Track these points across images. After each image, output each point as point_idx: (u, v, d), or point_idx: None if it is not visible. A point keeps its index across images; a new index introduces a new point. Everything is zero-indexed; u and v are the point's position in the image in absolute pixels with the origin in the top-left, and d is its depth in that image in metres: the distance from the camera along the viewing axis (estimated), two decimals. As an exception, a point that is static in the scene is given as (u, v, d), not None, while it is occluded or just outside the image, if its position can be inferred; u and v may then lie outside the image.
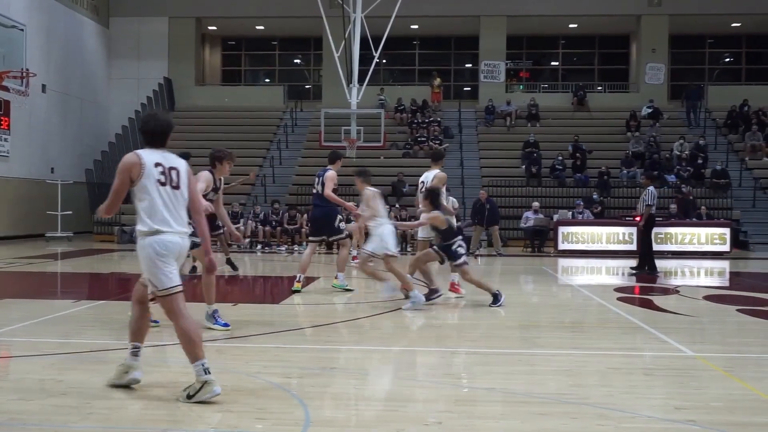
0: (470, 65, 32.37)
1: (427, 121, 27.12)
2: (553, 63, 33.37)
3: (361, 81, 22.83)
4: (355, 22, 22.53)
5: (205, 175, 7.50)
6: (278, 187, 24.54)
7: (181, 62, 29.62)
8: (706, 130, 26.44)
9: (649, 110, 27.18)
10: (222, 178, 8.02)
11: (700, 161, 24.03)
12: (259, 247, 19.97)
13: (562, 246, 19.25)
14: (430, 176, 10.11)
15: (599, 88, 31.42)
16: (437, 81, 29.50)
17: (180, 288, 4.93)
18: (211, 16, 30.08)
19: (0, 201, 21.30)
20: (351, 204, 11.10)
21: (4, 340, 6.96)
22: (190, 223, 5.16)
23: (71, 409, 4.63)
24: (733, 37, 31.51)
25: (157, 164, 4.97)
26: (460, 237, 9.30)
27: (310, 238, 10.91)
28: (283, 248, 19.80)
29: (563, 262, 17.33)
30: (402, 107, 28.03)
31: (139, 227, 4.95)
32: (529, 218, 20.00)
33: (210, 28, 31.50)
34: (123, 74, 28.98)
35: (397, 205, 21.08)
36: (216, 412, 4.62)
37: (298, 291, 10.25)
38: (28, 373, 5.64)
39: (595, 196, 21.86)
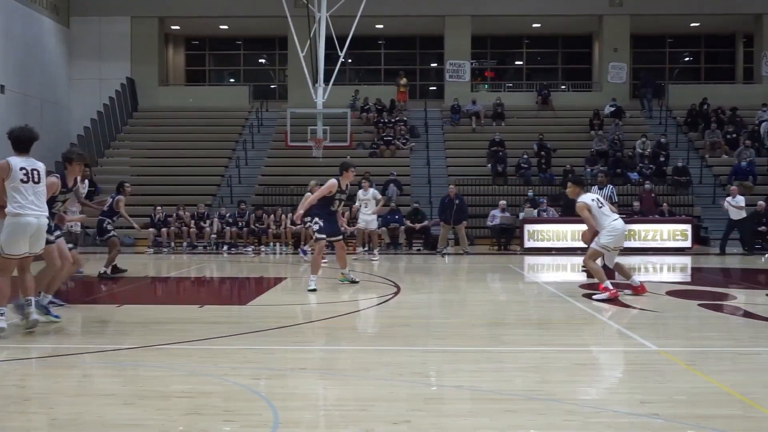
0: (435, 65, 32.51)
1: (393, 120, 27.17)
2: (517, 62, 33.66)
3: (326, 81, 22.79)
4: (320, 22, 22.49)
5: (50, 180, 7.55)
6: (244, 187, 24.39)
7: (144, 62, 29.27)
8: (668, 128, 26.88)
9: (612, 109, 27.56)
10: (78, 178, 8.79)
11: (662, 159, 24.43)
12: (225, 248, 19.84)
13: (528, 244, 19.41)
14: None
15: (563, 87, 31.82)
16: (403, 80, 29.56)
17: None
18: (174, 15, 29.79)
19: None
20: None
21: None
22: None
23: (35, 415, 4.54)
24: (693, 37, 32.08)
25: (22, 168, 6.87)
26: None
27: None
28: (250, 249, 19.69)
29: (529, 259, 17.48)
30: (368, 107, 28.03)
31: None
32: (496, 216, 20.13)
33: (173, 27, 31.19)
34: (85, 75, 28.56)
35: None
36: (183, 414, 4.58)
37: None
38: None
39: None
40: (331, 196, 10.95)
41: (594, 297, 9.68)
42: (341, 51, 22.55)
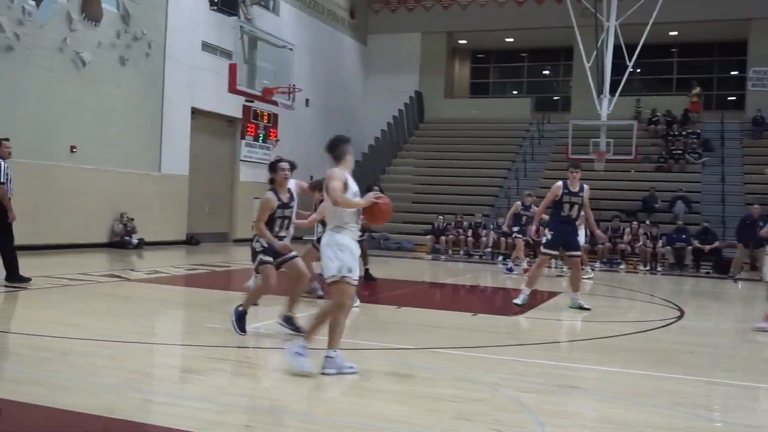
0: (736, 73, 29.87)
1: (684, 133, 25.46)
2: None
3: (612, 91, 22.04)
4: (609, 31, 21.82)
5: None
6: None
7: (432, 76, 30.58)
8: None
9: None
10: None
11: None
12: (500, 258, 19.97)
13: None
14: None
15: None
16: (696, 90, 27.54)
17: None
18: (462, 30, 30.71)
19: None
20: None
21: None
22: None
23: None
24: None
25: None
26: None
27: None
28: (525, 261, 19.58)
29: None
30: (656, 118, 26.57)
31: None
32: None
33: (460, 42, 32.18)
34: (377, 88, 30.56)
35: (647, 222, 20.02)
36: (452, 418, 4.69)
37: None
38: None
39: None
40: (558, 200, 9.97)
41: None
42: (629, 60, 21.66)
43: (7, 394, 4.76)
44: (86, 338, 6.73)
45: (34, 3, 15.80)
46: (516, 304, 9.91)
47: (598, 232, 10.73)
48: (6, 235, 10.12)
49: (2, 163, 10.02)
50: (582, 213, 10.31)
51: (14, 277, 10.18)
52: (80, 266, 13.11)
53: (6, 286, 9.87)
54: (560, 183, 10.06)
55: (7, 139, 10.34)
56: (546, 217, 11.09)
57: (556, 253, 10.35)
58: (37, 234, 15.98)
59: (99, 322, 7.80)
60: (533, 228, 11.08)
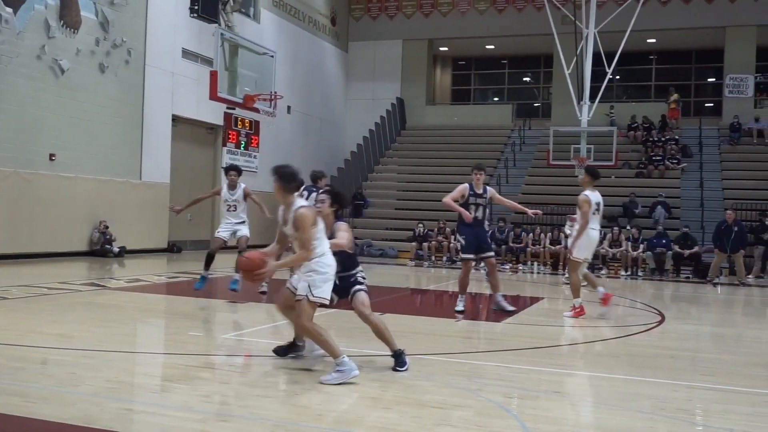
0: (713, 80, 30.21)
1: (663, 139, 25.69)
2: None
3: (592, 98, 22.21)
4: (588, 38, 21.99)
5: None
6: (504, 205, 24.42)
7: (413, 83, 30.64)
8: None
9: None
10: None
11: None
12: (482, 264, 20.00)
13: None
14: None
15: None
16: (674, 96, 27.81)
17: None
18: (443, 37, 30.81)
19: (251, 213, 23.26)
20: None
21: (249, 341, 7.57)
22: None
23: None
24: None
25: None
26: None
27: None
28: (507, 266, 19.67)
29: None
30: (635, 125, 26.80)
31: None
32: (780, 246, 18.10)
33: (441, 49, 32.27)
34: (359, 95, 30.59)
35: (628, 227, 20.15)
36: (435, 424, 4.67)
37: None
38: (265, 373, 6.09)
39: None
40: (465, 203, 9.95)
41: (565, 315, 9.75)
42: (609, 67, 21.84)
43: (-15, 405, 4.69)
44: (65, 347, 6.65)
45: (11, 10, 15.65)
46: (457, 311, 9.93)
47: (521, 207, 10.97)
48: None
49: None
50: (488, 213, 10.49)
51: None
52: (59, 275, 12.96)
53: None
54: (466, 184, 10.04)
55: None
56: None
57: (473, 256, 10.21)
58: (16, 243, 15.81)
59: (78, 331, 7.71)
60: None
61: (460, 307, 10.02)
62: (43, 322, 8.15)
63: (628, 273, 18.68)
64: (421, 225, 21.50)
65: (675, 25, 27.01)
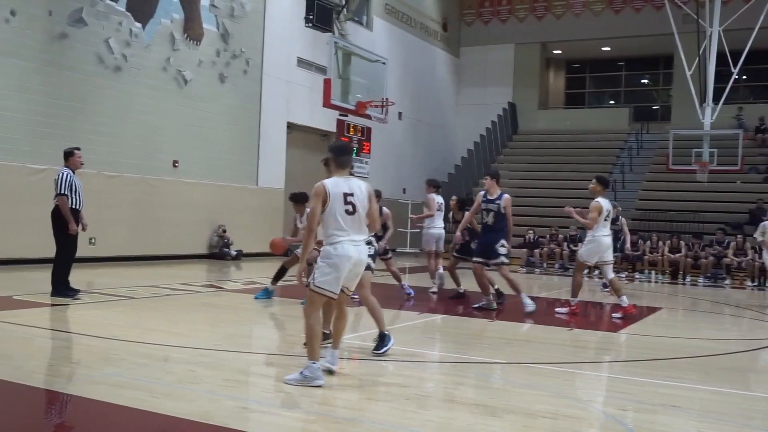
0: None
1: (794, 142, 24.22)
2: None
3: (716, 100, 21.21)
4: (712, 37, 21.03)
5: None
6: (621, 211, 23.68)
7: (525, 87, 30.22)
8: None
9: None
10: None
11: None
12: (596, 272, 19.44)
13: None
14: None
15: None
16: (809, 97, 26.15)
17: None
18: (556, 40, 30.26)
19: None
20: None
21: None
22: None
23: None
24: None
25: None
26: None
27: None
28: (623, 275, 19.03)
29: None
30: (764, 127, 25.37)
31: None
32: None
33: (555, 52, 31.70)
34: (469, 100, 30.44)
35: (755, 235, 19.07)
36: (546, 435, 4.58)
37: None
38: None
39: None
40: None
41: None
42: (734, 67, 20.80)
43: (111, 398, 4.96)
44: (185, 346, 6.94)
45: (140, 25, 16.55)
46: (474, 307, 10.53)
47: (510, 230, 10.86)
48: (65, 246, 9.69)
49: (64, 173, 9.58)
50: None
51: (60, 291, 9.66)
52: (181, 276, 13.57)
53: (53, 304, 9.37)
54: (481, 193, 10.44)
55: (78, 149, 9.90)
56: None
57: (483, 260, 10.44)
58: (142, 245, 16.67)
59: (197, 330, 8.04)
60: (457, 234, 11.25)
61: (484, 303, 10.44)
62: (165, 321, 8.54)
63: (755, 283, 17.69)
64: (531, 231, 21.15)
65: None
